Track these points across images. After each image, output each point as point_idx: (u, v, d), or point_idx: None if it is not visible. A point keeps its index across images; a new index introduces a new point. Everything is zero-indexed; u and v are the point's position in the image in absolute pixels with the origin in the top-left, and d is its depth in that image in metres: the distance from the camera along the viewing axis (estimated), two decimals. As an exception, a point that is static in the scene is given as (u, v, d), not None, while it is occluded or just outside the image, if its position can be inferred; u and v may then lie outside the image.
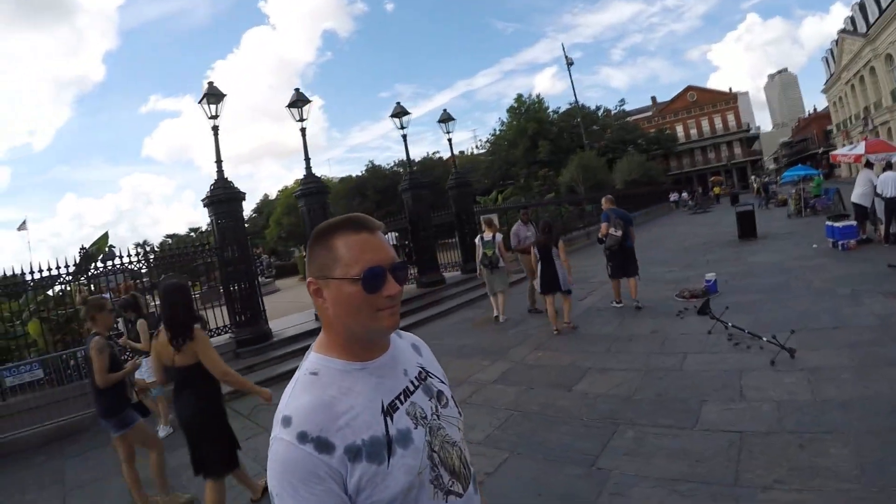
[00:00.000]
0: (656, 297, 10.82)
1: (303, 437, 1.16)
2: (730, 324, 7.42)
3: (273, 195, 67.73)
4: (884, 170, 13.70)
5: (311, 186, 13.47)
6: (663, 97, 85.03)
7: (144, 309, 8.15)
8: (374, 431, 1.23)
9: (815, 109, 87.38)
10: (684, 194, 50.87)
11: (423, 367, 1.48)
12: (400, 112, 16.68)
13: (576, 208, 30.49)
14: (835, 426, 4.39)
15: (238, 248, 11.47)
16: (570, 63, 46.43)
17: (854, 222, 13.61)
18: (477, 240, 11.71)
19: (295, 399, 1.25)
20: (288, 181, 73.12)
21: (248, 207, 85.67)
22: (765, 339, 6.50)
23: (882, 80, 42.96)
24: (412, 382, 1.40)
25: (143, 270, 12.37)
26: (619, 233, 10.23)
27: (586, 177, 39.25)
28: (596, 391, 6.28)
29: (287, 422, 1.20)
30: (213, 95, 11.82)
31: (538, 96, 57.91)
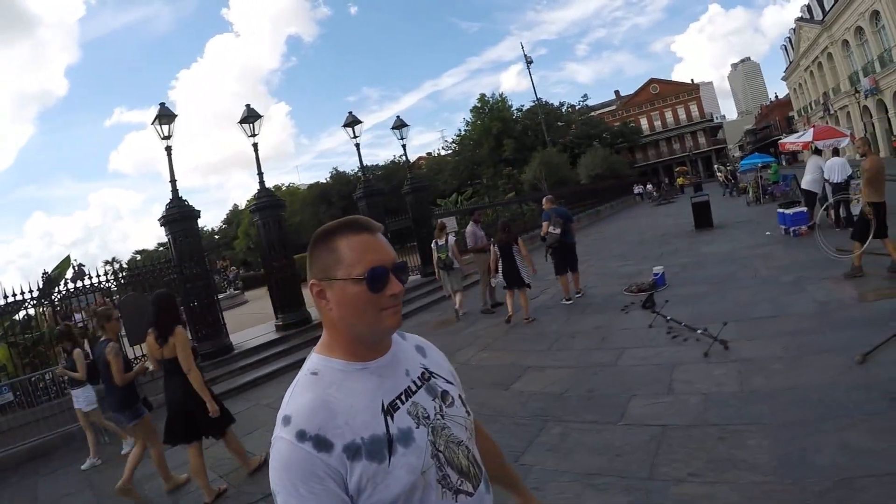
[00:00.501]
0: (607, 291, 10.96)
1: (301, 436, 1.16)
2: (668, 317, 7.47)
3: (242, 205, 67.04)
4: (832, 155, 13.97)
5: (265, 200, 13.66)
6: (630, 90, 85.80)
7: (79, 339, 8.25)
8: (374, 430, 1.23)
9: (776, 97, 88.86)
10: (649, 186, 51.26)
11: (426, 368, 1.48)
12: (352, 122, 16.86)
13: (538, 206, 30.60)
14: (757, 418, 4.43)
15: (196, 264, 11.68)
16: (529, 61, 46.62)
17: (805, 209, 13.73)
18: (433, 244, 12.06)
19: (295, 399, 1.26)
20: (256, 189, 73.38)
21: (218, 219, 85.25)
22: (699, 331, 6.56)
23: (839, 65, 43.72)
24: (414, 382, 1.40)
25: (113, 288, 12.36)
26: (558, 231, 10.57)
27: (549, 173, 39.27)
28: (531, 389, 6.38)
29: (287, 421, 1.21)
30: (165, 116, 12.08)
31: (501, 95, 58.01)
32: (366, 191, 16.84)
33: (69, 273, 12.71)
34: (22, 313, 10.89)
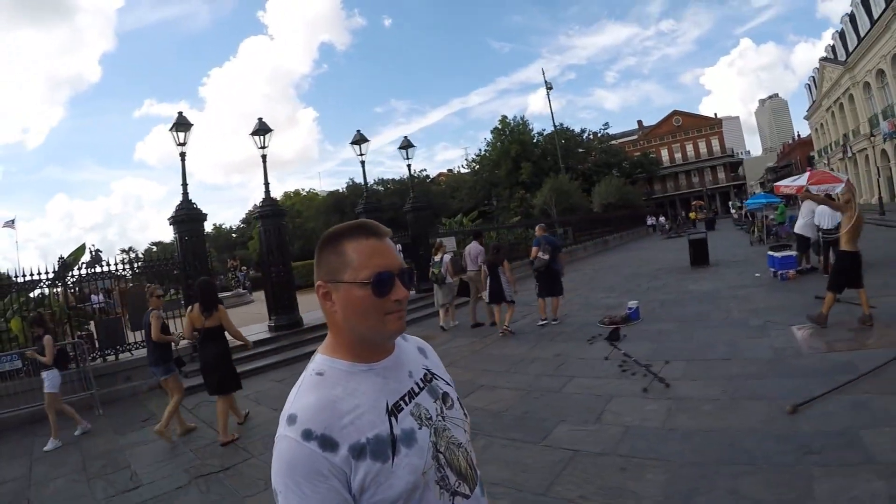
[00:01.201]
0: (583, 321, 11.24)
1: (307, 435, 1.19)
2: (622, 351, 7.77)
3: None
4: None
5: (268, 209, 14.39)
6: (655, 120, 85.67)
7: (50, 326, 9.28)
8: (379, 430, 1.25)
9: (798, 135, 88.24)
10: (662, 218, 51.27)
11: (428, 370, 1.52)
12: (359, 139, 17.48)
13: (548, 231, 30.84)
14: (665, 454, 4.65)
15: (199, 263, 12.37)
16: (549, 87, 46.85)
17: (793, 252, 13.93)
18: (431, 261, 13.14)
19: (300, 398, 1.28)
20: (278, 193, 73.14)
21: (238, 217, 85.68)
22: (644, 367, 6.85)
23: (860, 107, 43.31)
24: (417, 384, 1.43)
25: (128, 276, 13.67)
26: (546, 256, 11.25)
27: (559, 200, 39.44)
28: (474, 405, 6.64)
29: (292, 420, 1.23)
30: (182, 125, 13.04)
31: (523, 118, 58.16)
32: (366, 206, 17.45)
33: (85, 257, 13.41)
34: (38, 292, 11.87)
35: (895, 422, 4.58)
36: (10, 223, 28.61)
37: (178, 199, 12.47)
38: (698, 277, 15.96)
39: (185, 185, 12.77)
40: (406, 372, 1.42)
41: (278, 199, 56.70)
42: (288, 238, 15.35)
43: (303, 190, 64.62)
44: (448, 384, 1.54)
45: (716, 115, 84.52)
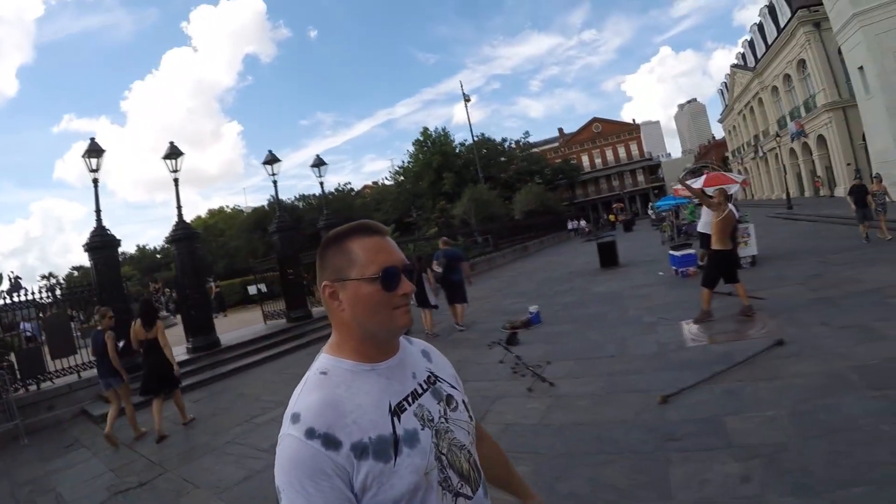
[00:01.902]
0: (490, 327, 11.65)
1: (311, 434, 1.20)
2: (514, 354, 8.16)
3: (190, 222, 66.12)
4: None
5: (181, 233, 14.51)
6: (578, 126, 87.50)
7: None
8: (381, 430, 1.26)
9: (713, 137, 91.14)
10: (582, 222, 51.72)
11: (432, 372, 1.52)
12: (271, 160, 17.78)
13: (467, 240, 31.86)
14: (536, 447, 4.99)
15: (114, 289, 12.49)
16: (467, 99, 46.88)
17: (693, 251, 14.61)
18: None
19: (304, 397, 1.29)
20: (203, 210, 72.39)
21: (162, 237, 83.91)
22: (530, 368, 7.24)
23: (769, 110, 46.72)
24: (420, 385, 1.43)
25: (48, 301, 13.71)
26: (440, 269, 12.12)
27: (478, 209, 40.03)
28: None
29: (296, 419, 1.24)
30: (95, 151, 13.00)
31: (444, 130, 58.88)
32: (279, 226, 17.67)
33: (4, 285, 14.13)
34: None
35: (761, 407, 4.96)
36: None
37: (102, 218, 12.58)
38: (606, 279, 16.51)
39: (98, 211, 12.69)
40: (410, 373, 1.44)
41: (204, 215, 56.32)
42: (207, 259, 15.72)
43: (227, 207, 63.39)
44: (453, 387, 1.55)
45: (634, 120, 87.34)
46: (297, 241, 18.38)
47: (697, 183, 16.90)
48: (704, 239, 14.23)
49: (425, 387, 1.43)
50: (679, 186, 17.83)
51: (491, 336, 10.48)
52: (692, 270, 13.98)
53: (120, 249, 14.02)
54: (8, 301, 11.84)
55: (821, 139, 36.60)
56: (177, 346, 14.73)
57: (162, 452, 7.31)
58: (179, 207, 14.59)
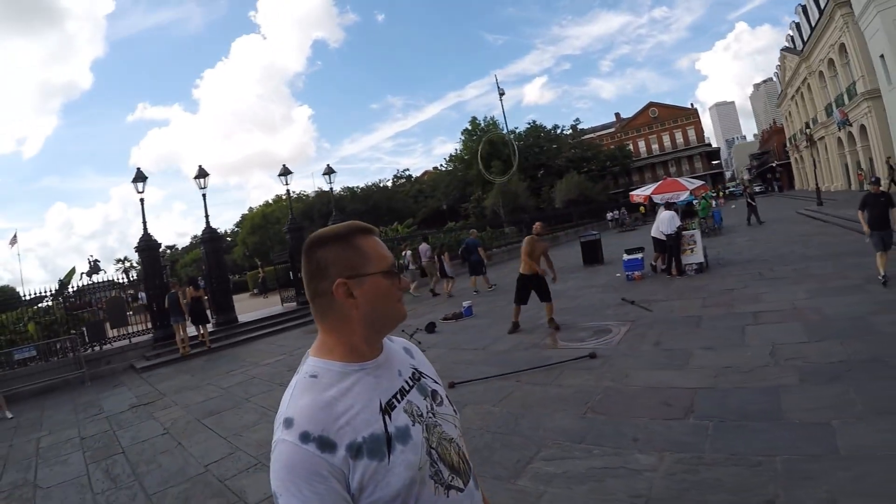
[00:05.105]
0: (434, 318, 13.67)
1: (305, 437, 1.20)
2: (419, 343, 10.03)
3: (257, 206, 68.85)
4: (665, 209, 15.33)
5: (206, 235, 18.97)
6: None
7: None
8: (374, 429, 1.27)
9: (773, 123, 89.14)
10: (623, 210, 48.94)
11: (416, 369, 1.55)
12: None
13: (495, 230, 34.41)
14: None
15: (155, 278, 16.96)
16: (501, 93, 48.11)
17: (639, 256, 15.51)
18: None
19: (295, 401, 1.29)
20: (271, 195, 75.65)
21: (232, 221, 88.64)
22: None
23: (816, 96, 44.87)
24: (407, 382, 1.46)
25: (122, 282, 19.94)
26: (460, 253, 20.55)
27: (506, 202, 42.18)
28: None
29: (289, 423, 1.24)
30: (140, 178, 18.08)
31: (492, 118, 59.94)
32: (290, 226, 21.61)
33: (78, 275, 19.30)
34: (44, 304, 16.84)
35: (489, 403, 6.61)
36: (13, 240, 32.07)
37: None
38: (575, 276, 17.89)
39: (144, 223, 17.55)
40: (396, 371, 1.46)
41: (270, 200, 59.68)
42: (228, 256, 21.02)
43: (295, 193, 66.08)
44: (436, 382, 1.58)
45: (692, 105, 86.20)
46: (305, 238, 22.99)
47: (648, 190, 17.97)
48: (657, 244, 15.42)
49: (411, 383, 1.47)
50: (634, 193, 18.80)
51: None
52: (637, 275, 15.03)
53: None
54: (86, 284, 17.21)
55: (863, 129, 34.26)
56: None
57: (167, 386, 11.63)
58: (207, 217, 18.81)
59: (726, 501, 3.76)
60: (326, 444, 1.20)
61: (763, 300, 9.88)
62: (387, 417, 1.31)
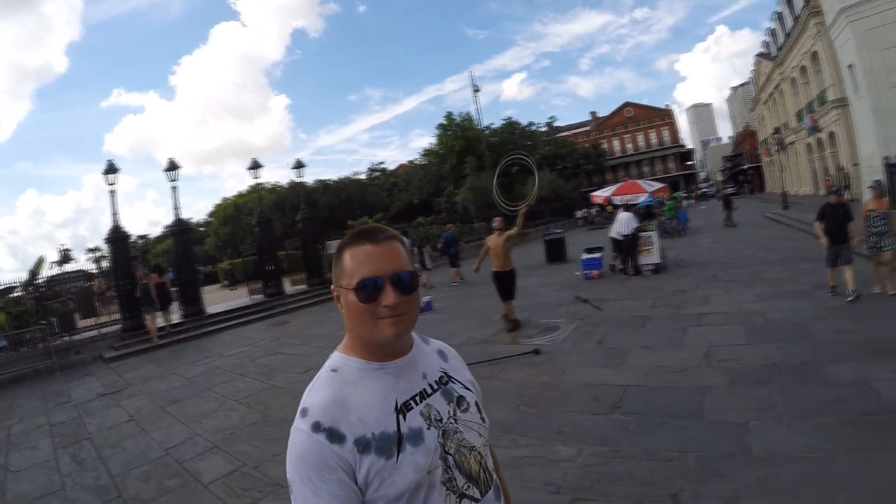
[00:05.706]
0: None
1: (316, 427, 1.26)
2: None
3: (231, 197, 67.70)
4: (623, 211, 15.82)
5: (176, 228, 19.26)
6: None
7: None
8: (385, 427, 1.30)
9: (747, 126, 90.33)
10: (593, 210, 48.30)
11: (445, 372, 1.54)
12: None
13: (465, 226, 35.20)
14: None
15: (125, 273, 16.91)
16: (476, 90, 49.09)
17: (597, 255, 15.82)
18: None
19: (314, 393, 1.35)
20: (244, 185, 75.62)
21: (205, 211, 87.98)
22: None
23: (788, 102, 45.82)
24: (430, 386, 1.46)
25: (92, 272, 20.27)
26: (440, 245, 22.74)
27: (476, 198, 42.32)
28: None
29: (304, 413, 1.30)
30: (112, 170, 17.64)
31: (467, 114, 59.79)
32: (259, 219, 21.87)
33: (48, 264, 19.14)
34: (14, 294, 16.71)
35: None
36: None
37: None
38: (536, 274, 18.24)
39: (114, 214, 17.29)
40: (420, 373, 1.46)
41: (244, 191, 59.64)
42: (201, 246, 21.48)
43: (268, 184, 65.98)
44: (466, 388, 1.56)
45: (668, 106, 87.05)
46: (275, 230, 23.50)
47: (608, 192, 18.34)
48: (615, 244, 15.83)
49: (436, 387, 1.47)
50: (595, 194, 19.35)
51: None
52: (595, 273, 15.34)
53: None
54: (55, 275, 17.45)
55: (832, 136, 35.00)
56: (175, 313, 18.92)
57: (134, 376, 11.98)
58: (177, 208, 18.91)
59: (633, 493, 4.05)
60: (335, 436, 1.25)
61: (711, 302, 10.28)
62: (401, 417, 1.35)
